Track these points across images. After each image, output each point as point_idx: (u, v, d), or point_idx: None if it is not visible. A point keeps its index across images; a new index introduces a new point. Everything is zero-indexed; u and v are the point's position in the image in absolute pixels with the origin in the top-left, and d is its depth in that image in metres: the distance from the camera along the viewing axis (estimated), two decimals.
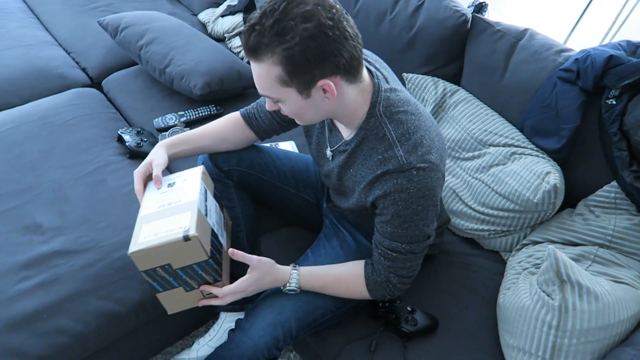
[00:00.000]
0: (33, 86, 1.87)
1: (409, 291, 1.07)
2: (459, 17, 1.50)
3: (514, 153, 1.35)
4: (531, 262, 1.21)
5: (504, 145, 1.37)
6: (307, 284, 1.07)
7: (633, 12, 2.68)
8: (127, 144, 1.57)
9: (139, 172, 1.08)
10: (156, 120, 1.71)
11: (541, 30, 1.44)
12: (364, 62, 0.95)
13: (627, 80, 1.18)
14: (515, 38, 1.42)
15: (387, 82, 0.98)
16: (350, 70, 0.86)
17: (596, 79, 1.22)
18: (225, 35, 2.21)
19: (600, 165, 1.25)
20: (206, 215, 1.00)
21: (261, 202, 1.35)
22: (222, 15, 2.26)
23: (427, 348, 1.13)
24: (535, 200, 1.24)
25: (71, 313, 1.16)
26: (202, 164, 1.22)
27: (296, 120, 0.99)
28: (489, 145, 1.40)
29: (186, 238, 0.90)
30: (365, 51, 1.05)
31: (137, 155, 1.56)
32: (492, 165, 1.36)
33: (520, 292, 1.10)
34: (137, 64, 1.99)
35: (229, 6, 2.26)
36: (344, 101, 0.91)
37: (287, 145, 1.63)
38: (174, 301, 1.02)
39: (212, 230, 1.01)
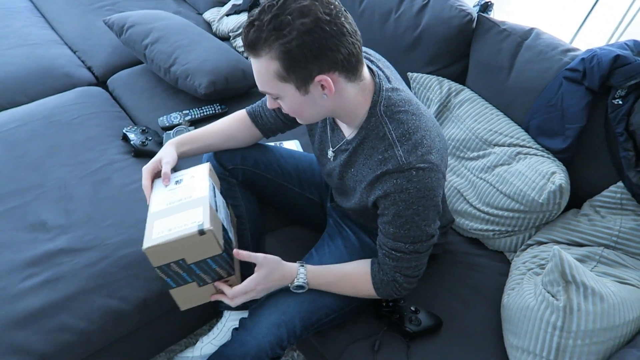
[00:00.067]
0: (39, 85, 1.88)
1: (412, 291, 1.07)
2: (465, 17, 1.50)
3: (519, 153, 1.34)
4: (536, 263, 1.21)
5: (509, 145, 1.37)
6: (315, 280, 1.07)
7: None
8: (132, 142, 1.58)
9: (147, 168, 1.08)
10: (161, 118, 1.72)
11: (547, 29, 1.44)
12: (365, 61, 0.94)
13: (634, 80, 1.17)
14: (521, 37, 1.42)
15: (389, 81, 0.97)
16: (348, 67, 0.86)
17: (602, 79, 1.21)
18: (230, 34, 2.22)
19: (606, 166, 1.25)
20: (217, 210, 1.00)
21: (265, 201, 1.35)
22: (227, 15, 2.27)
23: (431, 348, 1.12)
24: (540, 201, 1.23)
25: (75, 311, 1.16)
26: (207, 162, 1.22)
27: (296, 119, 0.99)
28: (494, 145, 1.39)
29: (201, 232, 0.90)
30: (368, 50, 1.05)
31: (142, 153, 1.57)
32: (497, 165, 1.36)
33: (525, 292, 1.09)
34: (142, 62, 2.00)
35: (233, 5, 2.26)
36: (343, 99, 0.91)
37: (292, 144, 1.63)
38: (187, 297, 1.02)
39: (223, 226, 1.01)
